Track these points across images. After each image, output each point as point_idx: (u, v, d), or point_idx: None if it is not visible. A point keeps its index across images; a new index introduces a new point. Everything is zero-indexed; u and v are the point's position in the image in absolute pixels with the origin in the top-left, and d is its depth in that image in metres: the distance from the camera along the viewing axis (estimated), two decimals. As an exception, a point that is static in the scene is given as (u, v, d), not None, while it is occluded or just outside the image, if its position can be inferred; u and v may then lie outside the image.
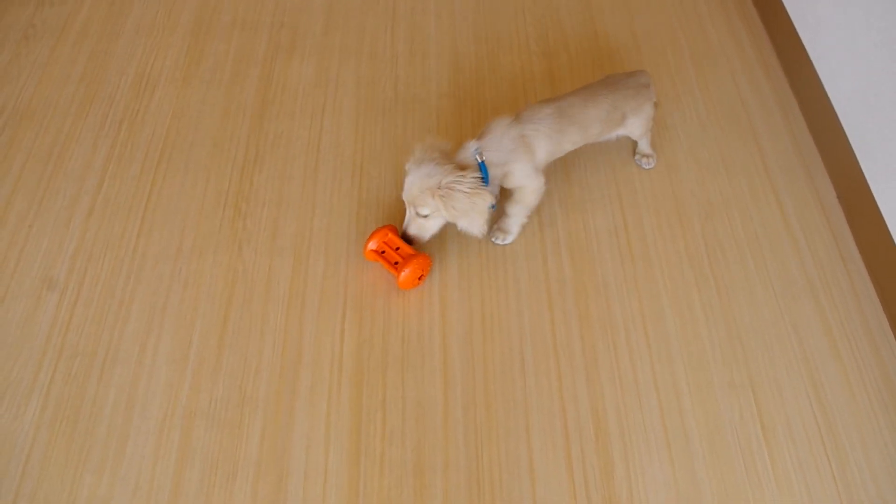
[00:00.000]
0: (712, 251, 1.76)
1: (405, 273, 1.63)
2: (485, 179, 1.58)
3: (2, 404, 1.55)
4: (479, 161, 1.60)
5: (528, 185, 1.67)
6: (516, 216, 1.74)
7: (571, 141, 1.70)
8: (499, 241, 1.77)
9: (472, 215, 1.58)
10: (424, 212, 1.60)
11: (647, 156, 1.90)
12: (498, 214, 1.78)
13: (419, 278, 1.68)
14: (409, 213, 1.63)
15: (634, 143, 1.91)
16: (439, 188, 1.54)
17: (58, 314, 1.67)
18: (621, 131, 1.79)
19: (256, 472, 1.47)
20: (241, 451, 1.49)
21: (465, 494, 1.44)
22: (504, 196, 1.75)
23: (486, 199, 1.56)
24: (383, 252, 1.68)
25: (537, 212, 1.80)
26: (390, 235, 1.69)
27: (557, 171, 1.89)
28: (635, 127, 1.79)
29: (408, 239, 1.66)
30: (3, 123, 2.00)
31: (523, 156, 1.63)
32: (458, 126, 1.99)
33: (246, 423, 1.53)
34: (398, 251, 1.67)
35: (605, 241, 1.78)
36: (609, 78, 1.77)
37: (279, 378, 1.58)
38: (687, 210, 1.83)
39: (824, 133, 1.91)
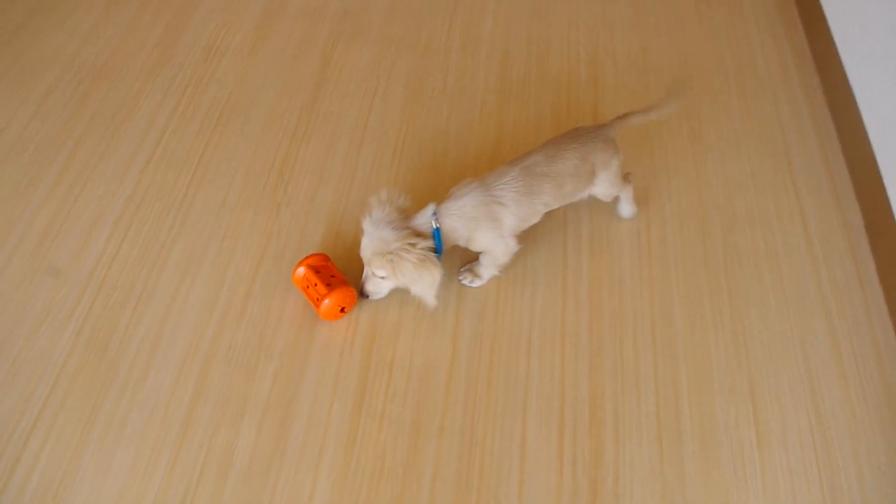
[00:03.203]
0: (730, 262, 1.79)
1: (326, 303, 1.62)
2: (438, 248, 1.57)
3: (42, 325, 1.68)
4: (434, 227, 1.56)
5: (494, 249, 1.64)
6: (487, 267, 1.72)
7: (545, 201, 1.63)
8: (465, 282, 1.75)
9: (420, 285, 1.56)
10: (380, 273, 1.57)
11: (629, 205, 1.84)
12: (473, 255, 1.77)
13: (341, 310, 1.67)
14: (367, 270, 1.62)
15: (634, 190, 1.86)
16: (390, 253, 1.52)
17: (105, 250, 1.80)
18: (593, 189, 1.71)
19: (263, 413, 1.56)
20: (252, 393, 1.59)
21: (455, 459, 1.50)
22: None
23: (433, 274, 1.54)
24: (307, 287, 1.68)
25: (563, 208, 1.86)
26: (307, 273, 1.67)
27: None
28: (604, 184, 1.70)
29: (364, 293, 1.65)
30: (81, 78, 2.17)
31: (486, 223, 1.58)
32: (500, 119, 2.06)
33: (260, 368, 1.62)
34: (316, 287, 1.66)
35: (626, 242, 1.82)
36: (577, 130, 1.69)
37: (297, 332, 1.67)
38: (711, 221, 1.86)
39: (858, 161, 1.92)
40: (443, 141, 2.02)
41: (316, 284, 1.65)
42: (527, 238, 1.82)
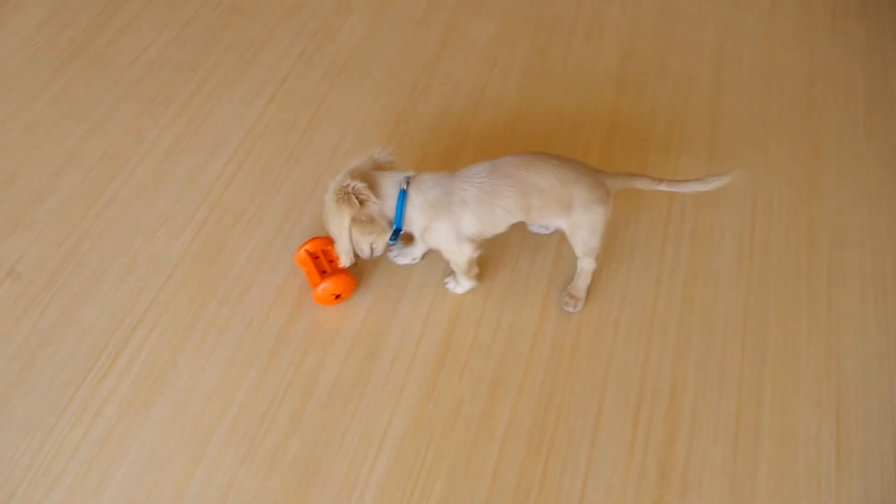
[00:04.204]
0: (834, 277, 1.75)
1: (323, 287, 1.62)
2: (398, 215, 1.51)
3: (161, 230, 1.79)
4: (402, 188, 1.50)
5: (446, 248, 1.57)
6: (459, 276, 1.66)
7: (505, 206, 1.51)
8: (448, 285, 1.70)
9: (333, 225, 1.50)
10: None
11: (574, 297, 1.67)
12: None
13: (336, 297, 1.66)
14: None
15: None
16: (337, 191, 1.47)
17: (223, 172, 1.90)
18: (562, 223, 1.58)
19: (352, 342, 1.62)
20: (344, 323, 1.65)
21: (530, 418, 1.53)
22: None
23: (343, 216, 1.46)
24: (317, 258, 1.67)
25: (668, 200, 1.86)
26: (330, 247, 1.65)
27: (699, 165, 1.94)
28: (578, 227, 1.57)
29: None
30: (221, 11, 2.28)
31: (443, 216, 1.50)
32: (615, 107, 2.07)
33: (355, 302, 1.68)
34: (332, 264, 1.65)
35: (728, 240, 1.81)
36: (574, 159, 1.56)
37: (392, 275, 1.72)
38: (818, 233, 1.83)
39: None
40: (556, 119, 2.04)
41: (332, 261, 1.65)
42: (627, 222, 1.83)
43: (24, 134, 1.97)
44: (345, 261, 1.54)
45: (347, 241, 1.50)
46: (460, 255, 1.57)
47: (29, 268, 1.73)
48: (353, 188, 1.45)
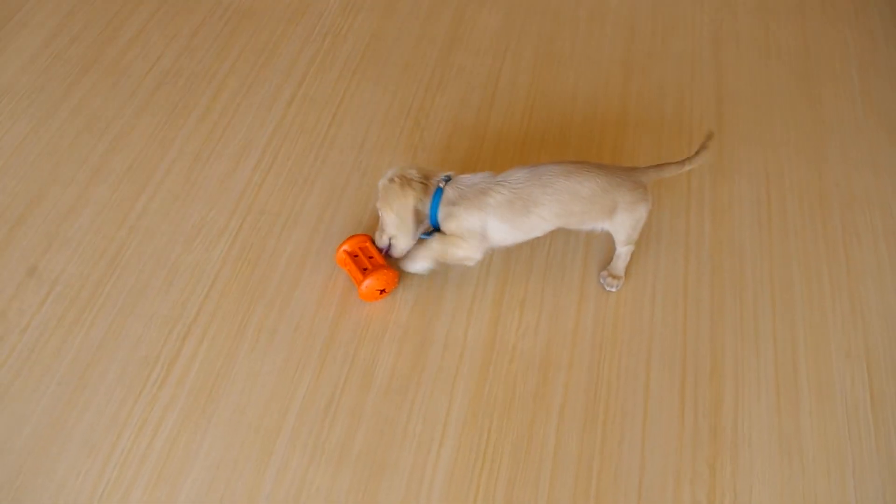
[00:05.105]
0: (848, 237, 1.85)
1: (367, 283, 1.66)
2: (433, 210, 1.60)
3: (197, 239, 1.81)
4: (439, 187, 1.60)
5: (458, 234, 1.60)
6: (427, 248, 1.65)
7: (542, 215, 1.58)
8: (406, 265, 1.71)
9: (398, 218, 1.59)
10: (382, 214, 1.63)
11: (615, 277, 1.75)
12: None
13: (381, 291, 1.71)
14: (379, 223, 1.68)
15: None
16: (388, 180, 1.59)
17: (252, 177, 1.92)
18: (607, 225, 1.65)
19: (403, 334, 1.67)
20: (391, 316, 1.69)
21: (583, 394, 1.60)
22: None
23: (408, 198, 1.57)
24: (356, 256, 1.72)
25: (686, 177, 1.93)
26: (367, 244, 1.73)
27: (712, 141, 2.01)
28: (623, 226, 1.64)
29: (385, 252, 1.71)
30: (228, 18, 2.29)
31: (472, 209, 1.57)
32: (625, 89, 2.14)
33: (400, 295, 1.73)
34: (371, 260, 1.71)
35: (746, 210, 1.89)
36: (610, 165, 1.65)
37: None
38: (829, 198, 1.92)
39: (981, 151, 1.96)
40: (570, 105, 2.10)
41: (371, 258, 1.70)
42: (653, 200, 1.89)
43: (46, 152, 1.97)
44: (408, 243, 1.64)
45: (411, 223, 1.60)
46: (467, 248, 1.61)
47: (68, 286, 1.74)
48: (413, 175, 1.59)
